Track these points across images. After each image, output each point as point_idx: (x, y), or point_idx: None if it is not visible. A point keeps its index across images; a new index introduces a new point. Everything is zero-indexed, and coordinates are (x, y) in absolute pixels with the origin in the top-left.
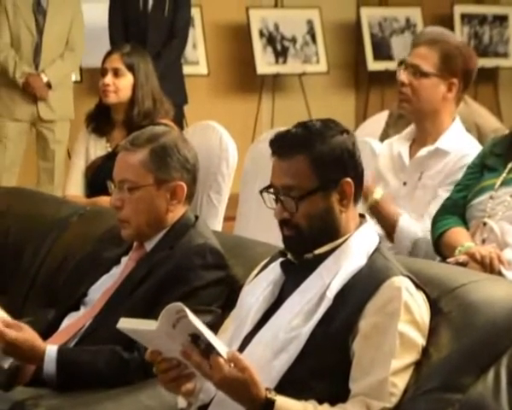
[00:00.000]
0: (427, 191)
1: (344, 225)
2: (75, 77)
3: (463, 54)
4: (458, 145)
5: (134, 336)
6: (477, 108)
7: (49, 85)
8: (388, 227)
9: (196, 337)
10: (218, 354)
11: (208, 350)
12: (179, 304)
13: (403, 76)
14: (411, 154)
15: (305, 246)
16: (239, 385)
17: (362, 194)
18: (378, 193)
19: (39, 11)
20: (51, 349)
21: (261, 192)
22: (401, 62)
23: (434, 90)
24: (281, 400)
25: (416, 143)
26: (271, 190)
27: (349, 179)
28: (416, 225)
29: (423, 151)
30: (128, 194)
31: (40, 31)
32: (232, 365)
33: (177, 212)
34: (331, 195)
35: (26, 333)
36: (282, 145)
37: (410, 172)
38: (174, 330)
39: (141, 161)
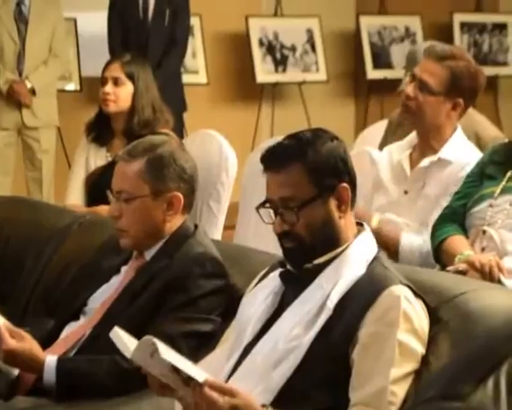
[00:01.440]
0: (428, 201)
1: (343, 232)
2: (75, 86)
3: (471, 73)
4: (460, 155)
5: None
6: (476, 116)
7: (33, 92)
8: (392, 247)
9: (176, 369)
10: (197, 383)
11: (190, 379)
12: (149, 338)
13: (409, 89)
14: (412, 162)
15: (306, 256)
16: None
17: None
18: (375, 221)
19: (21, 19)
20: (51, 359)
21: (257, 209)
22: (412, 75)
23: (439, 107)
24: None
25: (417, 151)
26: (268, 204)
27: (345, 184)
28: (418, 238)
29: (425, 162)
30: (125, 204)
31: (22, 38)
32: (226, 397)
33: (174, 222)
34: (329, 201)
35: (26, 343)
36: (275, 158)
37: (411, 181)
38: (152, 360)
39: (137, 171)
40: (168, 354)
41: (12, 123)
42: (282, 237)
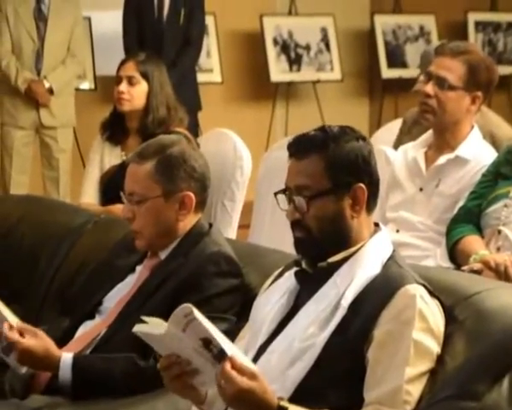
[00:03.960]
0: (444, 198)
1: (356, 232)
2: (89, 85)
3: (487, 66)
4: (478, 154)
5: (147, 340)
6: (492, 116)
7: (51, 91)
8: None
9: (208, 342)
10: (226, 355)
11: (221, 355)
12: (187, 306)
13: (428, 88)
14: (427, 160)
15: (315, 249)
16: (253, 394)
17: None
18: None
19: (40, 18)
20: (66, 357)
21: (275, 195)
22: (427, 74)
23: (459, 102)
24: (293, 408)
25: (433, 150)
26: (286, 192)
27: (362, 185)
28: None
29: (442, 159)
30: (137, 206)
31: (41, 37)
32: (244, 378)
33: (188, 221)
34: (343, 199)
35: (41, 341)
36: (299, 146)
37: (427, 178)
38: (184, 333)
39: (148, 173)
40: (203, 319)
41: (30, 122)
42: (293, 225)
